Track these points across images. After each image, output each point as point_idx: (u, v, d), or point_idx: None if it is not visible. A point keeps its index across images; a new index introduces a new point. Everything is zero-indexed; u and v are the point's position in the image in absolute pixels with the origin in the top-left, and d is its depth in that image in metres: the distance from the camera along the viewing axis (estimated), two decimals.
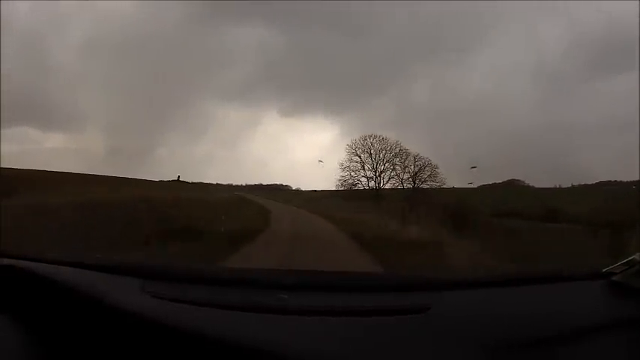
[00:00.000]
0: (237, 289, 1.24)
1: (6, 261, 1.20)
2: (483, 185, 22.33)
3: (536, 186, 22.62)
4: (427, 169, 23.77)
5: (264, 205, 20.23)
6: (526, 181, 23.60)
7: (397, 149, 24.70)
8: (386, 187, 24.49)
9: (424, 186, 23.71)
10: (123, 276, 1.25)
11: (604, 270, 1.29)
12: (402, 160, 24.58)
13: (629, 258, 1.24)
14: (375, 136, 25.16)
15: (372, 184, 24.53)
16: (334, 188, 24.75)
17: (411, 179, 24.23)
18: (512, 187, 23.52)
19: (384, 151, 24.96)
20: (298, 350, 1.00)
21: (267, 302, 1.15)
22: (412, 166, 24.42)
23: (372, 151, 24.96)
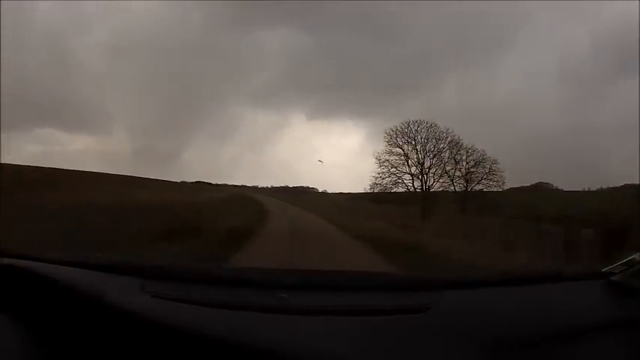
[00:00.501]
0: (238, 288, 1.24)
1: (6, 260, 1.20)
2: (511, 188, 19.23)
3: (565, 189, 20.10)
4: (485, 164, 18.41)
5: (267, 206, 18.95)
6: (554, 184, 20.97)
7: (449, 138, 18.85)
8: (432, 189, 18.72)
9: (479, 187, 18.47)
10: (123, 276, 1.25)
11: (604, 270, 1.29)
12: (454, 154, 18.81)
13: (629, 258, 1.24)
14: (421, 122, 19.17)
15: (417, 183, 18.86)
16: (363, 191, 19.57)
17: (463, 178, 18.57)
18: (540, 190, 20.56)
19: (433, 140, 18.93)
20: (298, 350, 1.00)
21: (267, 302, 1.15)
22: (464, 162, 18.73)
23: (416, 141, 19.01)
